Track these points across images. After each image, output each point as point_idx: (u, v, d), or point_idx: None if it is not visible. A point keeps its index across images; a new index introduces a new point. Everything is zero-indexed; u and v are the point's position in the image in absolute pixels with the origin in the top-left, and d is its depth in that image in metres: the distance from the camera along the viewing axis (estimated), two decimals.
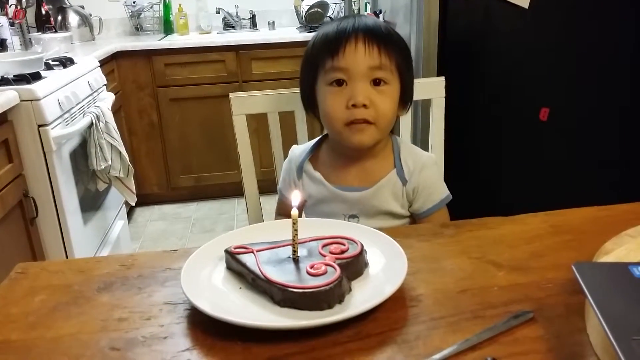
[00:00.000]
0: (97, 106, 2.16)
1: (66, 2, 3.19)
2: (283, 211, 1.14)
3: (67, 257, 1.89)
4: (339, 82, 0.96)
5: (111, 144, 2.14)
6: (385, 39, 0.96)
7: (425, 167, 1.03)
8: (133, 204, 2.41)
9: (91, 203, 2.18)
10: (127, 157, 2.24)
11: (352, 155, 1.03)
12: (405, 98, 1.02)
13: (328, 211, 1.04)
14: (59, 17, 3.09)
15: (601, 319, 0.49)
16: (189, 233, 2.90)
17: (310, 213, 1.08)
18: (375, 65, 0.94)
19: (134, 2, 3.37)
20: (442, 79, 1.25)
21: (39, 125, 1.76)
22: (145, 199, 3.10)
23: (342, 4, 3.28)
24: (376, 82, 0.95)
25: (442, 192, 1.05)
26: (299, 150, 1.12)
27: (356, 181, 1.04)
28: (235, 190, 3.16)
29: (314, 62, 1.00)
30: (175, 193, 3.24)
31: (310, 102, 1.04)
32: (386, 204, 1.02)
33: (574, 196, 1.77)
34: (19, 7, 2.63)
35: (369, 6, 2.34)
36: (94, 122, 2.06)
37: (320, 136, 1.11)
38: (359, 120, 0.94)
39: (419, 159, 1.04)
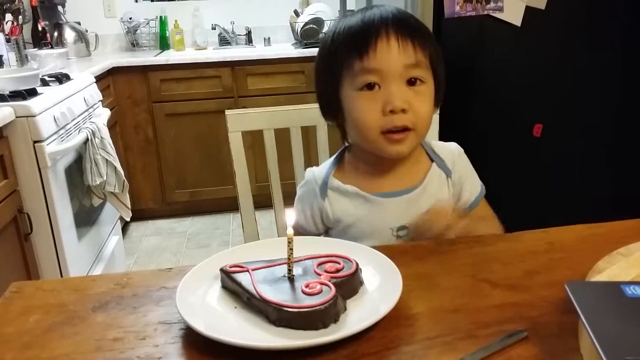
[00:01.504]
0: (93, 122, 2.16)
1: (62, 18, 3.20)
2: None
3: (61, 273, 1.89)
4: (370, 86, 0.86)
5: (106, 160, 2.15)
6: (417, 30, 0.87)
7: (460, 154, 0.99)
8: (128, 219, 2.40)
9: (86, 219, 2.17)
10: (123, 173, 2.24)
11: (386, 160, 0.93)
12: (439, 95, 0.93)
13: (370, 229, 0.92)
14: (55, 33, 3.10)
15: (594, 338, 0.49)
16: (183, 248, 2.89)
17: (345, 237, 0.87)
18: (410, 63, 0.85)
19: (130, 19, 3.40)
20: None
21: (35, 141, 1.76)
22: (140, 214, 3.09)
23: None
24: (411, 82, 0.86)
25: (479, 179, 1.00)
26: (318, 169, 1.00)
27: (398, 185, 0.93)
28: (230, 205, 3.15)
29: (336, 62, 0.88)
30: (170, 208, 3.23)
31: (332, 108, 0.93)
32: (437, 202, 0.94)
33: (568, 212, 1.78)
34: (15, 24, 2.64)
35: None
36: (89, 137, 2.07)
37: (339, 151, 1.02)
38: (398, 127, 0.85)
39: (450, 148, 0.99)
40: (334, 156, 1.02)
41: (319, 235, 0.99)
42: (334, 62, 0.89)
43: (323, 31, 3.31)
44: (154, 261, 2.77)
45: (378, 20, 0.86)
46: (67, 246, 1.91)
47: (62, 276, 1.88)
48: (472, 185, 0.98)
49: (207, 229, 3.11)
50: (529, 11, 1.63)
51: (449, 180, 0.96)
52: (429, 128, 0.92)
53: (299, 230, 0.99)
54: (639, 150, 1.80)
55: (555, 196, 1.81)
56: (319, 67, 0.93)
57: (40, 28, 2.99)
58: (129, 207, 2.33)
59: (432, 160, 0.97)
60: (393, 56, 0.84)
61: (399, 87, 0.85)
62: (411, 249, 0.82)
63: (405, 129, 0.86)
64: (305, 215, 0.98)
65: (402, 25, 0.86)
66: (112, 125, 2.64)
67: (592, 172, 1.82)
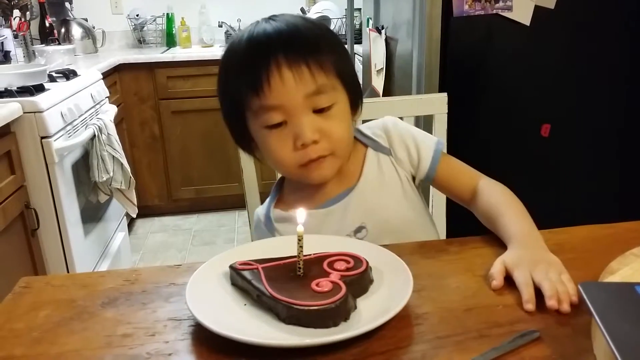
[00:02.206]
0: (100, 118, 2.17)
1: (70, 14, 3.21)
2: None
3: (67, 269, 1.89)
4: (276, 125, 0.80)
5: (113, 156, 2.15)
6: (312, 48, 0.79)
7: (394, 125, 0.93)
8: (134, 215, 2.41)
9: (92, 215, 2.18)
10: (129, 169, 2.24)
11: None
12: (355, 102, 0.87)
13: None
14: (63, 30, 3.11)
15: (609, 339, 0.48)
16: (189, 245, 2.90)
17: None
18: (311, 91, 0.78)
19: (137, 15, 3.40)
20: (444, 95, 1.26)
21: (42, 137, 1.77)
22: (145, 211, 3.10)
23: (344, 19, 3.30)
24: (319, 110, 0.80)
25: (432, 137, 0.93)
26: (261, 207, 0.98)
27: (339, 188, 0.89)
28: (235, 203, 3.16)
29: (233, 97, 0.82)
30: (175, 205, 3.24)
31: (245, 140, 0.88)
32: (384, 189, 0.89)
33: (576, 212, 1.77)
34: (23, 20, 2.64)
35: (371, 22, 2.36)
36: (96, 134, 2.07)
37: (278, 179, 0.99)
38: (313, 159, 0.81)
39: (380, 125, 0.93)
40: (273, 186, 0.98)
41: None
42: (232, 96, 0.83)
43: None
44: (159, 258, 2.78)
45: (265, 49, 0.78)
46: (73, 242, 1.91)
47: (68, 272, 1.88)
48: (424, 144, 0.91)
49: (212, 226, 3.12)
50: (539, 10, 1.62)
51: (390, 158, 0.91)
52: (350, 145, 0.87)
53: None
54: None
55: (564, 196, 1.80)
56: (222, 101, 0.86)
57: (47, 24, 3.00)
58: (135, 203, 2.33)
59: (368, 145, 0.92)
60: (290, 89, 0.77)
61: (306, 118, 0.79)
62: (420, 247, 0.81)
63: (322, 157, 0.82)
64: None
65: (292, 48, 0.78)
66: (118, 122, 2.64)
67: (600, 172, 1.81)
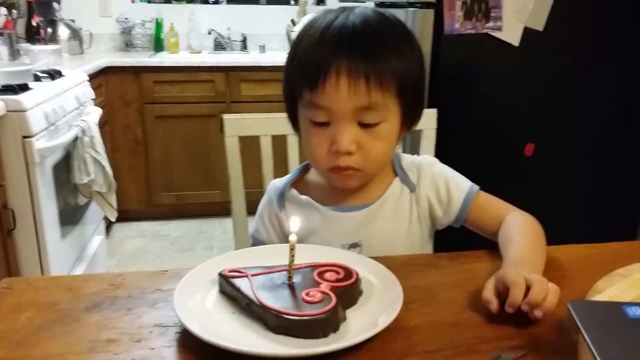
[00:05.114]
0: (84, 120, 2.14)
1: (57, 15, 3.17)
2: None
3: (42, 271, 1.85)
4: (319, 123, 0.81)
5: (95, 159, 2.12)
6: (378, 57, 0.77)
7: (430, 165, 0.93)
8: (113, 219, 2.37)
9: (70, 217, 2.14)
10: (111, 173, 2.21)
11: None
12: (407, 120, 0.85)
13: (321, 243, 0.85)
14: (49, 30, 3.07)
15: (598, 358, 0.49)
16: (167, 251, 2.86)
17: None
18: (362, 105, 0.77)
19: (126, 19, 3.37)
20: (434, 111, 1.27)
21: (24, 137, 1.74)
22: (124, 215, 3.04)
23: None
24: (365, 124, 0.80)
25: (466, 181, 0.92)
26: (279, 179, 0.99)
27: (355, 200, 0.90)
28: (215, 210, 3.13)
29: (292, 82, 0.83)
30: (155, 210, 3.19)
31: (294, 123, 0.90)
32: (393, 220, 0.90)
33: (560, 232, 1.79)
34: (9, 18, 2.60)
35: None
36: (79, 136, 2.04)
37: (306, 162, 0.98)
38: (342, 167, 0.81)
39: (420, 160, 0.95)
40: (301, 165, 0.99)
41: None
42: (291, 79, 0.84)
43: None
44: (136, 263, 2.73)
45: (332, 48, 0.77)
46: (49, 244, 1.87)
47: (42, 274, 1.84)
48: (458, 188, 0.91)
49: (191, 233, 3.08)
50: (528, 32, 1.65)
51: (412, 195, 0.92)
52: (382, 166, 0.88)
53: (256, 237, 0.98)
54: (632, 172, 1.82)
55: (547, 216, 1.82)
56: (285, 69, 0.86)
57: (34, 23, 2.96)
58: (115, 207, 2.30)
59: (397, 175, 0.93)
60: (342, 97, 0.77)
61: (348, 128, 0.79)
62: (409, 261, 0.81)
63: (352, 169, 0.82)
64: (265, 227, 0.96)
65: (359, 55, 0.76)
66: (101, 124, 2.61)
67: (583, 191, 1.84)
